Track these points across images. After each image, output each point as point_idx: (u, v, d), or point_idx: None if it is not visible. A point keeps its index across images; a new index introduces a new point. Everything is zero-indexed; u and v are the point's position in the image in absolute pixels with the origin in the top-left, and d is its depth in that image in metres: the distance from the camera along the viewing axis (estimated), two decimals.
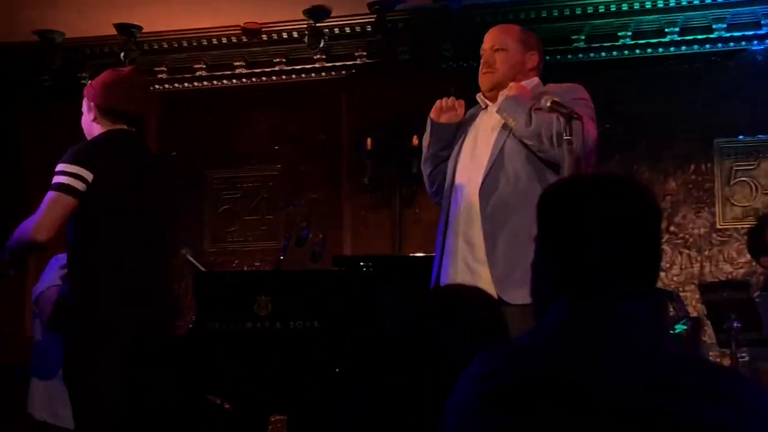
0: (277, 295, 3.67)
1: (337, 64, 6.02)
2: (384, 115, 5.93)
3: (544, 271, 1.55)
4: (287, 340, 3.62)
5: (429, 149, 3.55)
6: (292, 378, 3.62)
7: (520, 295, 3.14)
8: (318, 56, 6.00)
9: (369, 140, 5.93)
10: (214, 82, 6.20)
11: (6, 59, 6.10)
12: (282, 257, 4.34)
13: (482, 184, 3.33)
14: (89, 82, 3.64)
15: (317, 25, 5.79)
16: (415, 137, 5.70)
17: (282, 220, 5.97)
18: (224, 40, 6.04)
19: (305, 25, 5.82)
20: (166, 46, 6.09)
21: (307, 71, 6.08)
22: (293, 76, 6.10)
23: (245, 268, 5.93)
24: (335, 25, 5.86)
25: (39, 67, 6.03)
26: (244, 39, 6.02)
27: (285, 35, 5.98)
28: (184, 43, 6.08)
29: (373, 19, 5.78)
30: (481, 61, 3.47)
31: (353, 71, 6.00)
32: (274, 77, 6.11)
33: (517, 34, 3.53)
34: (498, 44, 3.48)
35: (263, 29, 5.94)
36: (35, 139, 6.21)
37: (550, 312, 1.47)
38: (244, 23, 5.90)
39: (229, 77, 6.17)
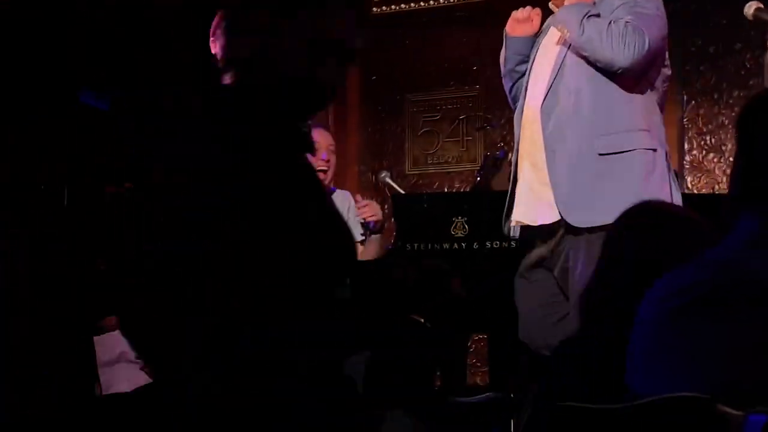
0: (473, 216, 3.68)
1: None
2: None
3: (732, 182, 1.51)
4: (484, 260, 3.63)
5: (505, 65, 3.38)
6: (490, 297, 3.64)
7: (584, 217, 3.03)
8: None
9: None
10: (412, 4, 6.18)
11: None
12: (478, 178, 4.35)
13: (543, 101, 3.16)
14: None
15: None
16: None
17: (481, 141, 5.95)
18: None
19: None
20: None
21: None
22: None
23: (445, 190, 5.97)
24: None
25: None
26: None
27: None
28: None
29: None
30: None
31: None
32: None
33: None
34: None
35: None
36: None
37: (739, 225, 1.44)
38: None
39: (407, 1, 6.14)
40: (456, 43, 6.09)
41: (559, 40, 3.19)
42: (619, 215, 2.64)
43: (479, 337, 5.11)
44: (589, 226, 2.99)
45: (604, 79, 3.07)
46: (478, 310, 3.79)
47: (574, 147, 3.08)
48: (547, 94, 3.16)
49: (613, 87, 3.08)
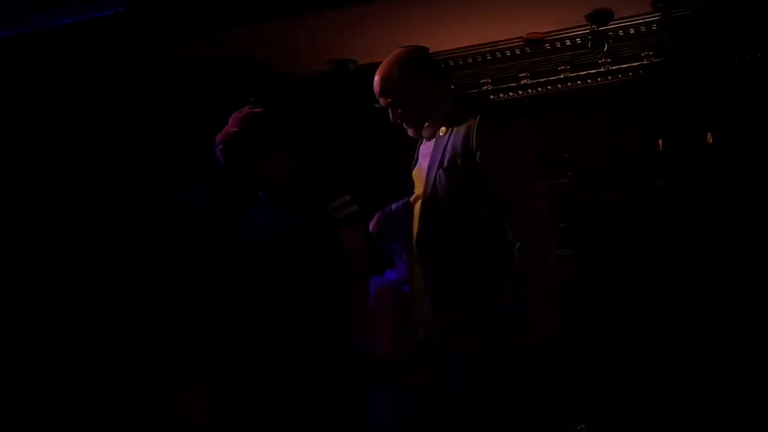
0: None
1: (623, 66, 5.96)
2: (673, 115, 5.84)
3: None
4: None
5: None
6: None
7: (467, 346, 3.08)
8: (602, 60, 5.98)
9: (660, 141, 5.83)
10: (500, 95, 6.15)
11: (302, 89, 6.26)
12: None
13: (418, 233, 3.18)
14: None
15: (600, 29, 5.74)
16: (710, 135, 5.68)
17: None
18: (508, 53, 6.07)
19: (588, 30, 5.79)
20: (452, 63, 6.13)
21: (593, 76, 6.04)
22: (578, 82, 6.08)
23: None
24: (619, 27, 5.80)
25: (334, 94, 5.93)
26: (528, 50, 6.06)
27: (568, 42, 5.98)
28: (470, 60, 6.13)
29: (658, 17, 5.67)
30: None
31: (640, 72, 5.93)
32: (559, 85, 6.08)
33: (399, 76, 3.25)
34: (386, 101, 3.27)
35: (546, 38, 5.99)
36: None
37: None
38: (527, 34, 5.95)
39: (514, 89, 6.13)
40: (546, 131, 5.96)
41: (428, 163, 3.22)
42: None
43: None
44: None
45: (472, 209, 3.08)
46: None
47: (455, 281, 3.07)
48: (420, 227, 3.16)
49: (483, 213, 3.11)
